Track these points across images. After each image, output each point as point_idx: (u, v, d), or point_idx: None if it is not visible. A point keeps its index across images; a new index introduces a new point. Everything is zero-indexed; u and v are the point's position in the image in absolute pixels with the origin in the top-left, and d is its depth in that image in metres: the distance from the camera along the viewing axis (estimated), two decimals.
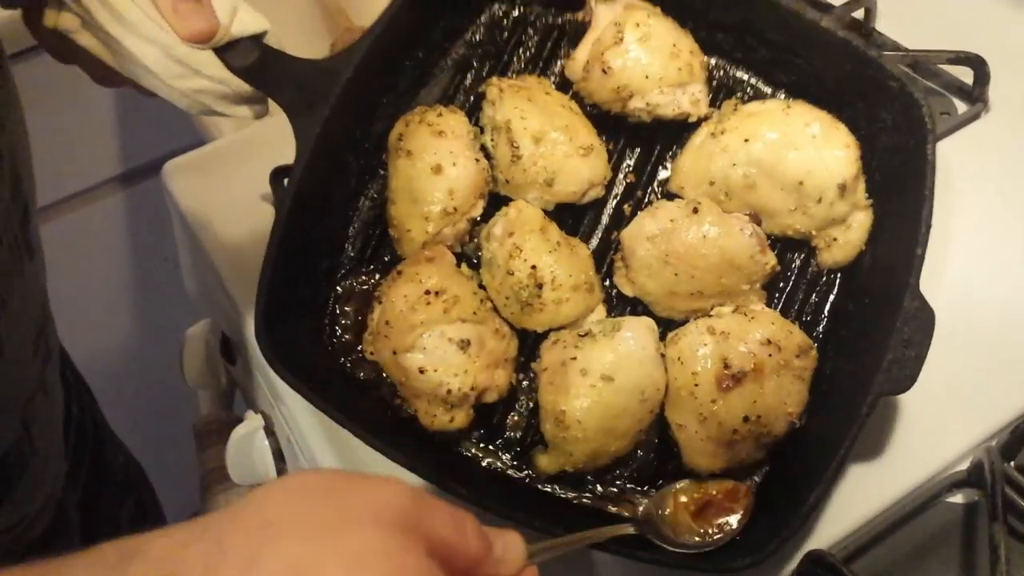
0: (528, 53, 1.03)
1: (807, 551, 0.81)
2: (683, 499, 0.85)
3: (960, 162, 1.14)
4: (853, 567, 0.80)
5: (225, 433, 1.17)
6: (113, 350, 1.65)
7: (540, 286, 0.88)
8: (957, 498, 0.88)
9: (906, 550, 0.85)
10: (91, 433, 1.24)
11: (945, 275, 1.02)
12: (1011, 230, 1.08)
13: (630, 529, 0.81)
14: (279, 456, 1.12)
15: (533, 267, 0.88)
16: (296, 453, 1.07)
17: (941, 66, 1.22)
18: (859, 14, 1.28)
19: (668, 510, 0.84)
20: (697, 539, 0.82)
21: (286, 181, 1.09)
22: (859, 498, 0.87)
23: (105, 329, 1.64)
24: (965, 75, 1.20)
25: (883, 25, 1.28)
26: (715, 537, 0.82)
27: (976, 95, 1.19)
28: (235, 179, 1.17)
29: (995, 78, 1.18)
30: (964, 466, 0.89)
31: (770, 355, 0.83)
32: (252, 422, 1.14)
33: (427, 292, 0.86)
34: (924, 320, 0.80)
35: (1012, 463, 0.88)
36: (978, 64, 1.18)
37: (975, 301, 1.01)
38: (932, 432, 0.91)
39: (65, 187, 1.45)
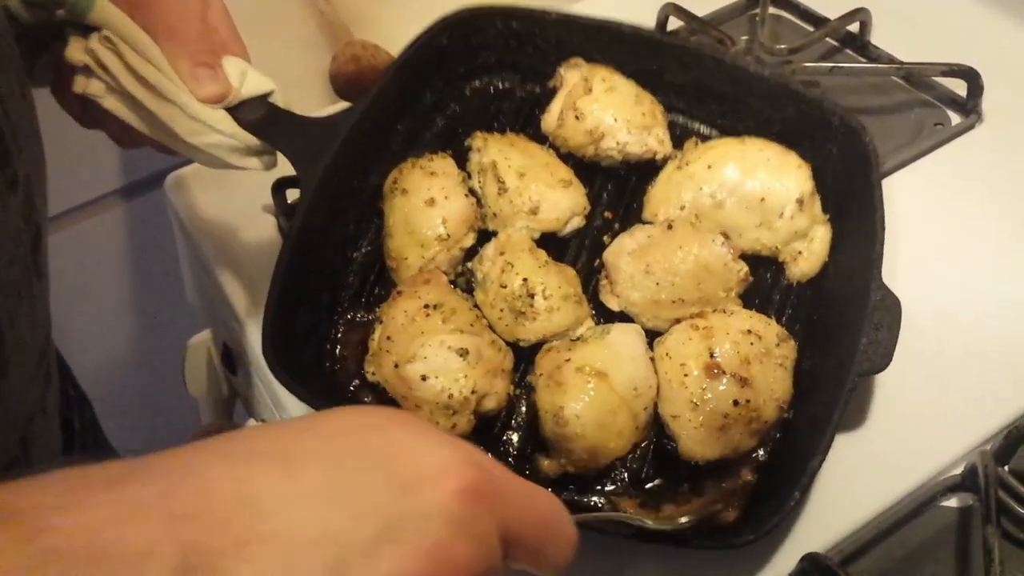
0: (507, 119, 1.13)
1: (804, 553, 0.82)
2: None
3: (953, 173, 1.15)
4: (849, 569, 0.81)
5: None
6: (115, 360, 1.65)
7: (532, 295, 0.92)
8: (951, 502, 0.89)
9: (901, 553, 0.85)
10: (91, 450, 1.24)
11: (939, 283, 1.04)
12: (1005, 239, 1.09)
13: (629, 510, 0.83)
14: None
15: (524, 279, 0.93)
16: None
17: (935, 78, 1.24)
18: (854, 27, 1.29)
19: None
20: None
21: (288, 192, 1.13)
22: (855, 502, 0.88)
23: (107, 340, 1.64)
24: (959, 87, 1.21)
25: (878, 38, 1.29)
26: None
27: (970, 107, 1.21)
28: (236, 191, 1.17)
29: (988, 90, 1.19)
30: (958, 470, 0.90)
31: (752, 344, 0.87)
32: None
33: (426, 306, 0.90)
34: (891, 305, 0.86)
35: (1006, 467, 0.89)
36: (972, 76, 1.19)
37: (969, 308, 1.02)
38: (927, 437, 0.92)
39: (67, 200, 1.45)
